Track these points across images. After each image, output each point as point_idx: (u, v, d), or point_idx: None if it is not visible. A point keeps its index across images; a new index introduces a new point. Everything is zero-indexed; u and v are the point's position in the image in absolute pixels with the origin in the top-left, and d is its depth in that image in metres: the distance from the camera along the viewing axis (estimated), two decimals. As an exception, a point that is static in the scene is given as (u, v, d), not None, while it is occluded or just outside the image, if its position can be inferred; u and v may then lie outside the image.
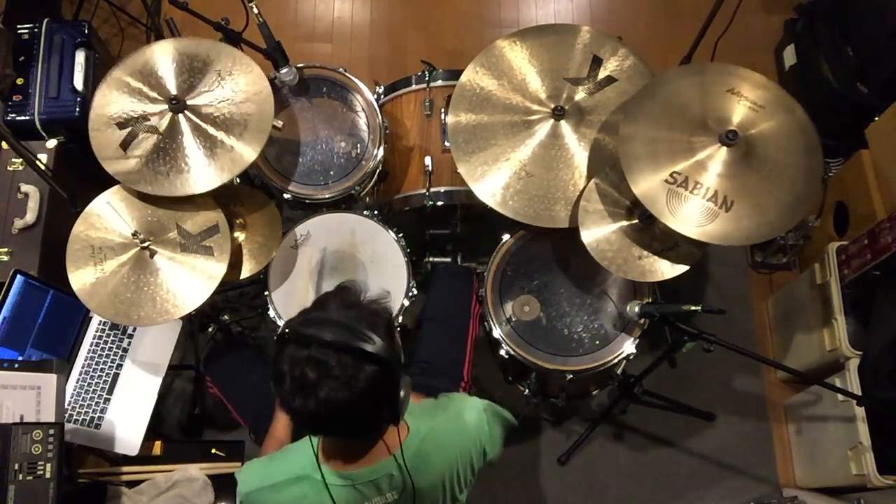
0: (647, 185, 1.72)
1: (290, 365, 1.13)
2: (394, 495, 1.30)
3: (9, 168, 2.25)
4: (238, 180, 2.07)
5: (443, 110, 2.17)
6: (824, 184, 2.49)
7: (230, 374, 1.97)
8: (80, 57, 2.46)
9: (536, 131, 1.96)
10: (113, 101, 1.86)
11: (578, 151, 1.95)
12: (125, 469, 2.00)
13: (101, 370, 2.04)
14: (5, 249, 2.17)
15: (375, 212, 2.14)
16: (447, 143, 2.05)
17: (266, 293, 1.99)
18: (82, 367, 2.04)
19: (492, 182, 1.92)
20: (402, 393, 1.18)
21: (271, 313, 1.97)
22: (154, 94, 1.86)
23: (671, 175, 1.73)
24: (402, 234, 2.08)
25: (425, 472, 1.30)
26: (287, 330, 1.16)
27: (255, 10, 1.97)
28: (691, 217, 1.70)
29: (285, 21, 3.15)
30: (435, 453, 1.31)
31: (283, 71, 2.07)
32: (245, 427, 1.93)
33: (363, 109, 2.18)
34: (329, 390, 1.11)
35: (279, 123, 1.98)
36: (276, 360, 1.16)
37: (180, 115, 1.85)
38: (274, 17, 2.39)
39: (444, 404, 1.42)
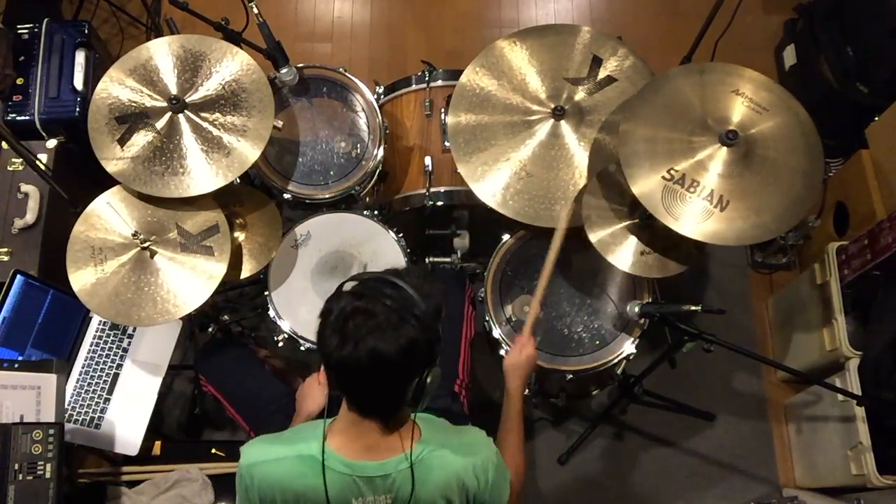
0: (645, 184, 1.72)
1: (340, 308, 1.17)
2: (388, 499, 1.28)
3: (9, 168, 2.25)
4: (238, 180, 2.07)
5: (443, 110, 2.17)
6: (824, 184, 2.50)
7: (225, 373, 1.96)
8: (80, 57, 2.46)
9: (536, 131, 1.96)
10: (113, 95, 1.86)
11: (578, 151, 1.95)
12: (125, 469, 2.00)
13: (101, 370, 2.04)
14: (5, 249, 2.17)
15: (375, 212, 2.15)
16: (447, 143, 2.05)
17: (266, 293, 1.99)
18: (82, 367, 2.04)
19: (492, 182, 1.92)
20: (429, 379, 1.22)
21: (271, 313, 1.97)
22: (154, 93, 1.86)
23: (668, 171, 1.73)
24: (402, 234, 2.08)
25: (424, 484, 1.28)
26: (349, 280, 1.22)
27: (255, 10, 1.97)
28: (686, 215, 1.70)
29: (285, 21, 3.15)
30: (438, 469, 1.29)
31: (283, 71, 2.07)
32: (244, 427, 1.91)
33: (363, 109, 2.18)
34: (368, 335, 1.14)
35: (279, 123, 1.98)
36: (330, 300, 1.21)
37: (180, 115, 1.85)
38: (274, 17, 2.40)
39: (459, 430, 1.41)
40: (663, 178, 1.72)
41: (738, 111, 1.79)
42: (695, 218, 1.70)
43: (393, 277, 1.21)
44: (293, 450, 1.28)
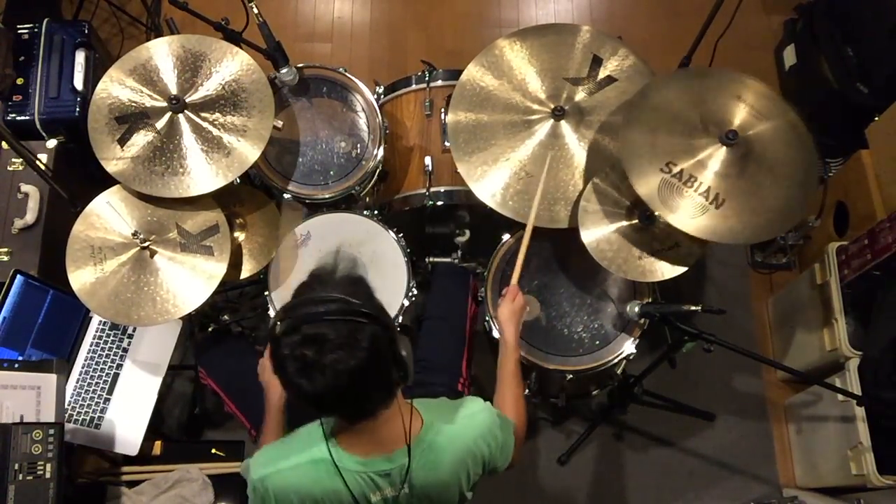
0: (645, 180, 1.72)
1: (289, 349, 1.14)
2: (405, 489, 1.29)
3: (9, 168, 2.25)
4: (238, 180, 2.07)
5: (443, 110, 2.17)
6: (824, 184, 2.50)
7: (225, 366, 1.96)
8: (80, 57, 2.46)
9: (536, 131, 1.96)
10: (113, 95, 1.86)
11: (578, 151, 1.95)
12: (125, 469, 2.00)
13: (101, 370, 2.04)
14: (5, 249, 2.17)
15: (375, 212, 2.15)
16: (447, 143, 2.05)
17: (266, 293, 1.99)
18: (82, 367, 2.04)
19: (491, 182, 1.92)
20: (404, 352, 1.24)
21: (271, 313, 1.97)
22: (154, 93, 1.86)
23: (667, 165, 1.73)
24: (402, 234, 2.08)
25: (437, 465, 1.30)
26: (276, 322, 1.18)
27: (255, 10, 1.97)
28: (681, 208, 1.71)
29: (285, 21, 3.15)
30: (448, 448, 1.31)
31: (283, 71, 2.07)
32: (243, 422, 1.90)
33: (363, 109, 2.18)
34: (335, 360, 1.12)
35: (279, 123, 1.98)
36: (274, 350, 1.17)
37: (180, 115, 1.85)
38: (274, 17, 2.39)
39: (459, 404, 1.42)
40: (661, 170, 1.73)
41: (738, 115, 1.79)
42: (689, 212, 1.71)
43: (311, 294, 1.19)
44: (305, 456, 1.28)
